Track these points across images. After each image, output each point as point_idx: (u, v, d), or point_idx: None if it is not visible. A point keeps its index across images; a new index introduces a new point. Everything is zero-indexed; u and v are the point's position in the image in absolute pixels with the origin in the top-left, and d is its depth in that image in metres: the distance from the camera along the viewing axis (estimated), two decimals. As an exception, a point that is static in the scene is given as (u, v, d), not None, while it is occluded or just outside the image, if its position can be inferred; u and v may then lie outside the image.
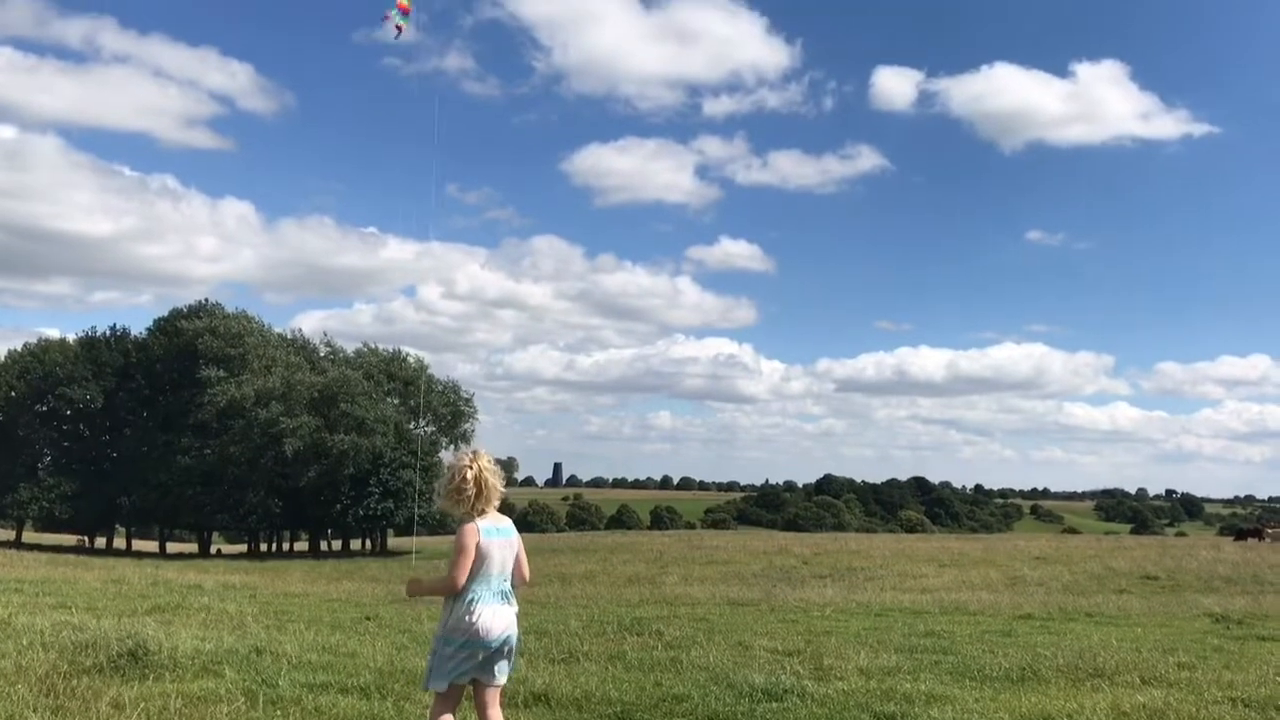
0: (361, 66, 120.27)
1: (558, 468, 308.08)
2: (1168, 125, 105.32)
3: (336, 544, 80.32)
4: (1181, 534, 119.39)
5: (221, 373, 67.53)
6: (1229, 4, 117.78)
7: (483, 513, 5.62)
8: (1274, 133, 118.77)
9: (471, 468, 5.59)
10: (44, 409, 72.18)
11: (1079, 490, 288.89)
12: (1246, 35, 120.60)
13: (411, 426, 73.70)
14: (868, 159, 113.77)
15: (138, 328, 76.73)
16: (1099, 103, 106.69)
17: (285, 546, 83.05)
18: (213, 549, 76.83)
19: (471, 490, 5.58)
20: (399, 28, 33.52)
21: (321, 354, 75.79)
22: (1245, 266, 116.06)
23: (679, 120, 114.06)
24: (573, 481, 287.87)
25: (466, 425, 75.58)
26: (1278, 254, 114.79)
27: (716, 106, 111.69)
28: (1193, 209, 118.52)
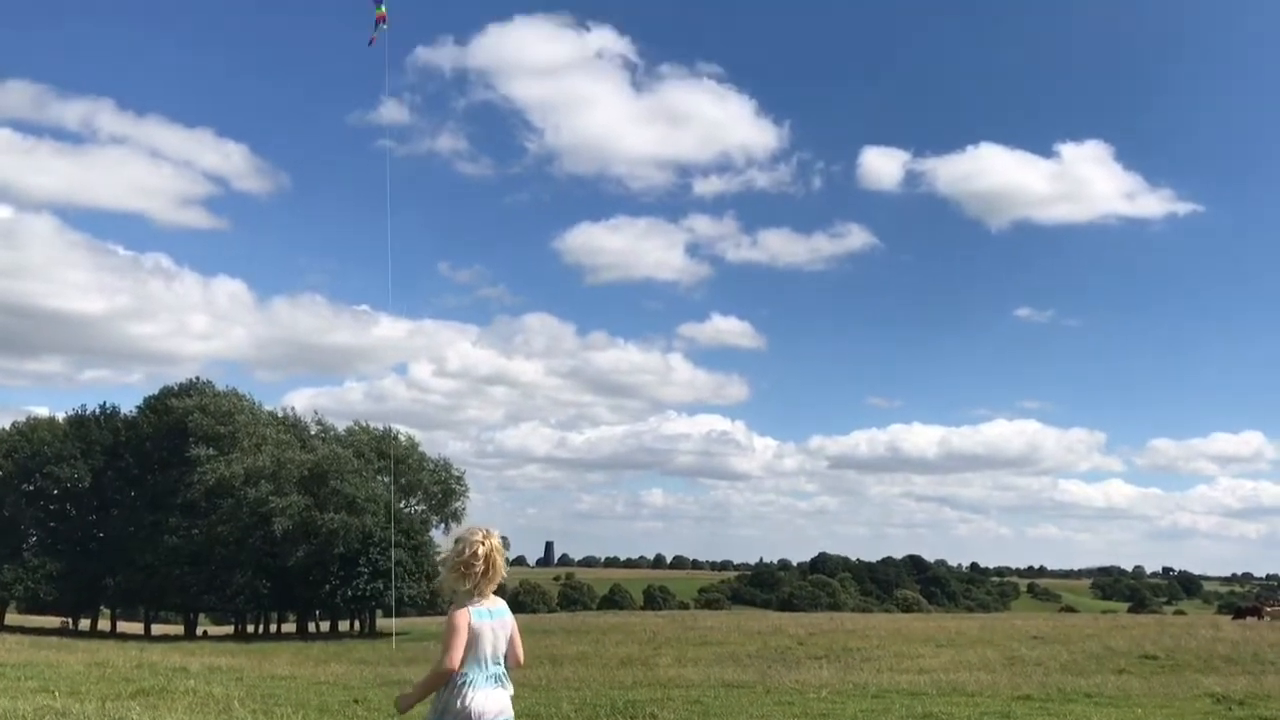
0: (355, 147, 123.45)
1: (549, 546, 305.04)
2: (1152, 204, 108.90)
3: (325, 625, 79.13)
4: (1180, 612, 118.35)
5: (211, 451, 67.19)
6: (1210, 86, 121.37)
7: (482, 593, 5.53)
8: (1257, 211, 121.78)
9: (484, 544, 5.51)
10: (30, 488, 71.54)
11: (1076, 568, 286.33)
12: (1227, 116, 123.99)
13: (402, 505, 73.16)
14: (857, 237, 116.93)
15: (128, 406, 76.57)
16: (1084, 182, 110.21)
17: (272, 628, 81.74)
18: (199, 630, 75.58)
19: (480, 568, 5.48)
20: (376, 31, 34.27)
21: (312, 432, 75.52)
22: (1234, 343, 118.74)
23: (669, 199, 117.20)
24: (564, 560, 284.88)
25: (457, 504, 75.19)
26: (1266, 330, 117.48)
27: (706, 186, 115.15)
28: (1180, 286, 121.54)
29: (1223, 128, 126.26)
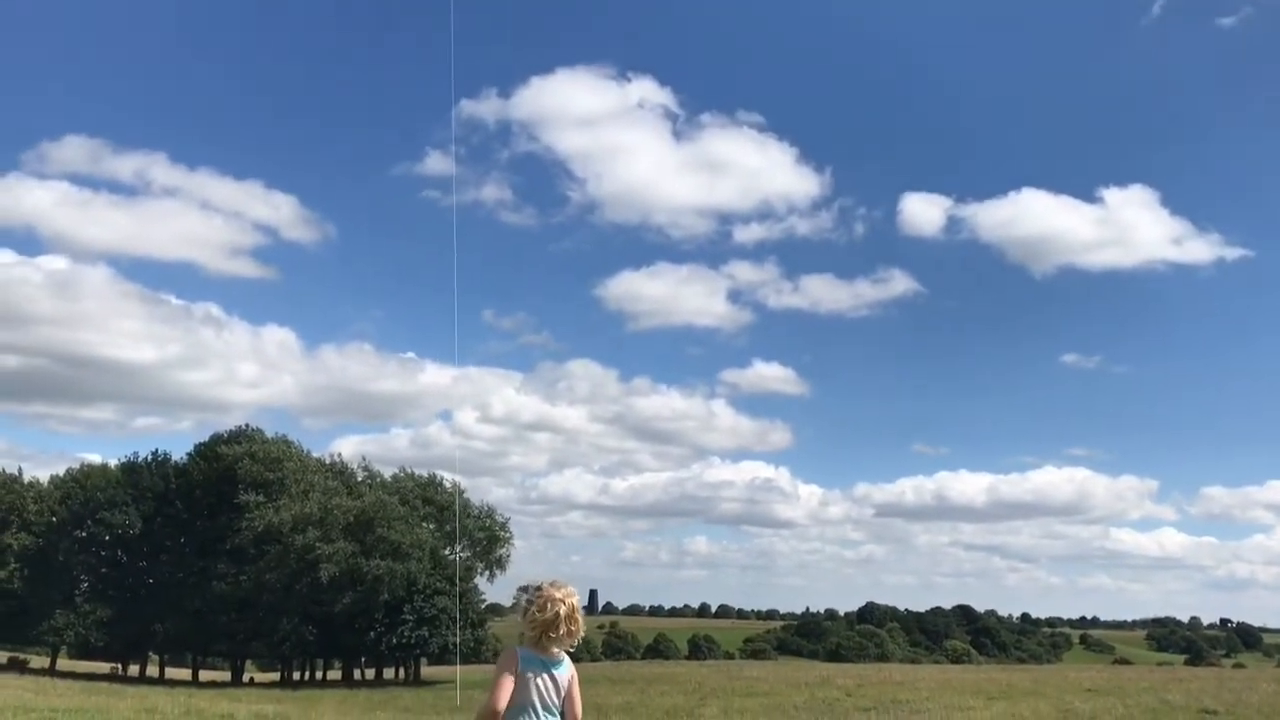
0: (401, 198, 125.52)
1: (593, 595, 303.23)
2: (1200, 249, 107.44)
3: (370, 673, 79.14)
4: (1239, 665, 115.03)
5: (260, 498, 67.90)
6: (1256, 131, 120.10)
7: (545, 647, 5.41)
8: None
9: (564, 604, 5.35)
10: (83, 534, 72.61)
11: (1130, 619, 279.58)
12: (1275, 160, 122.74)
13: (446, 552, 73.33)
14: (899, 283, 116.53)
15: (179, 453, 77.68)
16: (1129, 227, 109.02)
17: (318, 675, 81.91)
18: (245, 677, 75.92)
19: (562, 629, 5.34)
20: None
21: (359, 478, 76.06)
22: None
23: (710, 247, 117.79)
24: (609, 609, 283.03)
25: (502, 550, 75.07)
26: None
27: (747, 233, 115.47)
28: (1231, 331, 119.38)
29: (1270, 173, 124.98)
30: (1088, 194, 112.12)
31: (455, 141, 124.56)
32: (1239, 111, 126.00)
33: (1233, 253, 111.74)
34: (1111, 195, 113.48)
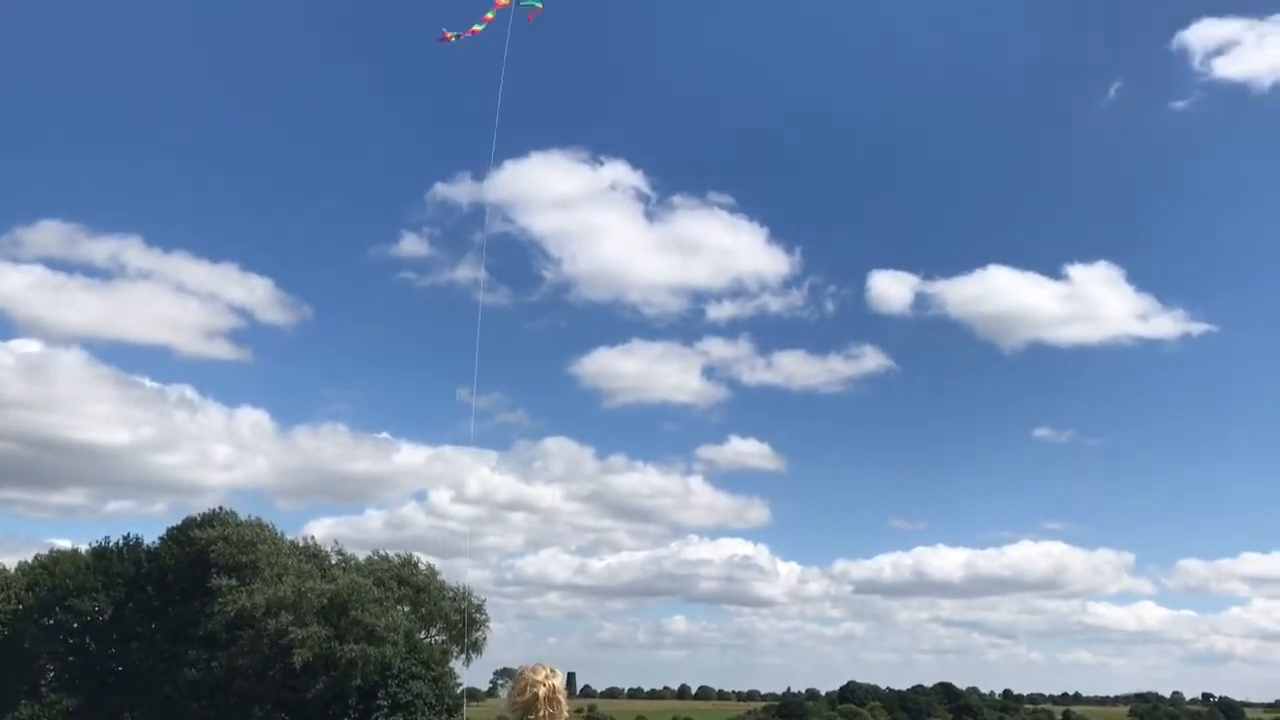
0: (377, 279, 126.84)
1: (571, 677, 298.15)
2: (1166, 324, 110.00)
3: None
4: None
5: (233, 581, 67.14)
6: (1218, 207, 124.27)
7: None
8: (1271, 329, 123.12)
9: (545, 685, 5.47)
10: (50, 622, 71.30)
11: (1111, 695, 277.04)
12: (1236, 237, 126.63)
13: (422, 635, 72.51)
14: (871, 359, 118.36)
15: (150, 537, 76.69)
16: (1096, 303, 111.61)
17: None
18: (215, 767, 74.21)
19: (543, 711, 5.46)
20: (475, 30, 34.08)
21: (332, 561, 75.33)
22: (1258, 461, 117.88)
23: (684, 324, 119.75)
24: (587, 692, 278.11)
25: (478, 633, 74.39)
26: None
27: (720, 311, 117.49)
28: (1200, 405, 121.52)
29: (1232, 249, 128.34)
30: (1053, 271, 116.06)
31: (485, 251, 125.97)
32: (1195, 191, 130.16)
33: (1197, 328, 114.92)
34: (1077, 272, 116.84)
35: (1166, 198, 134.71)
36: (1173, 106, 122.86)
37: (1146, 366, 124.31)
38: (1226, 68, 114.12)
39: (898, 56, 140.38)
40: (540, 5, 33.09)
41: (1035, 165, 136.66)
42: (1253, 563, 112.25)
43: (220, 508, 76.39)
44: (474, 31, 33.26)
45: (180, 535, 73.27)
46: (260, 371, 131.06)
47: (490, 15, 32.83)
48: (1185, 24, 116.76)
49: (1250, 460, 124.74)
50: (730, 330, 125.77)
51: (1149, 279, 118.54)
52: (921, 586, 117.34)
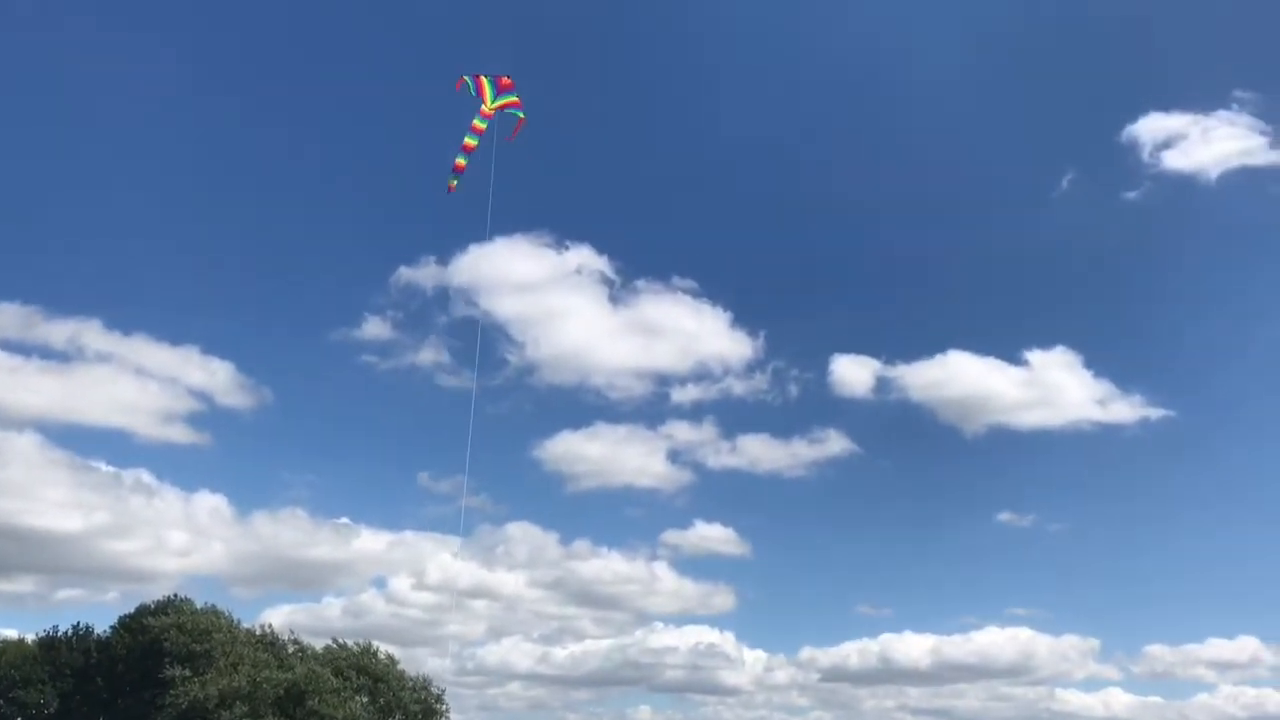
0: (337, 363, 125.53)
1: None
2: (1124, 410, 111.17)
3: None
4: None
5: (186, 672, 65.34)
6: (1163, 296, 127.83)
7: None
8: (1227, 414, 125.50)
9: None
10: (-7, 716, 68.92)
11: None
12: (1188, 322, 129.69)
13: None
14: (835, 443, 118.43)
15: (102, 626, 74.57)
16: (1055, 389, 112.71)
17: None
18: None
19: None
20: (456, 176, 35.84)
21: (289, 650, 73.56)
22: (1220, 546, 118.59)
23: (648, 408, 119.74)
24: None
25: (437, 724, 72.65)
26: (1249, 533, 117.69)
27: (684, 394, 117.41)
28: (1160, 489, 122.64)
29: (1185, 335, 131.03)
30: (1012, 356, 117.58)
31: (391, 308, 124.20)
32: (1148, 278, 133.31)
33: (1155, 413, 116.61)
34: (1036, 357, 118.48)
35: (1121, 284, 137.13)
36: (1124, 197, 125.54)
37: (1106, 451, 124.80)
38: (1175, 160, 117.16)
39: (857, 146, 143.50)
40: (523, 116, 34.92)
41: (992, 252, 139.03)
42: (1218, 648, 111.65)
43: (175, 595, 74.71)
44: (466, 154, 35.16)
45: (132, 623, 71.39)
46: (219, 455, 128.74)
47: (470, 142, 34.82)
48: (1134, 118, 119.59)
49: (1211, 544, 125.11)
50: (694, 414, 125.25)
51: (1106, 365, 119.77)
52: (888, 674, 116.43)
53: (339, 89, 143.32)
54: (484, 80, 35.78)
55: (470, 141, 35.58)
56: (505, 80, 36.00)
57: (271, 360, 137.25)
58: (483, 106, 35.48)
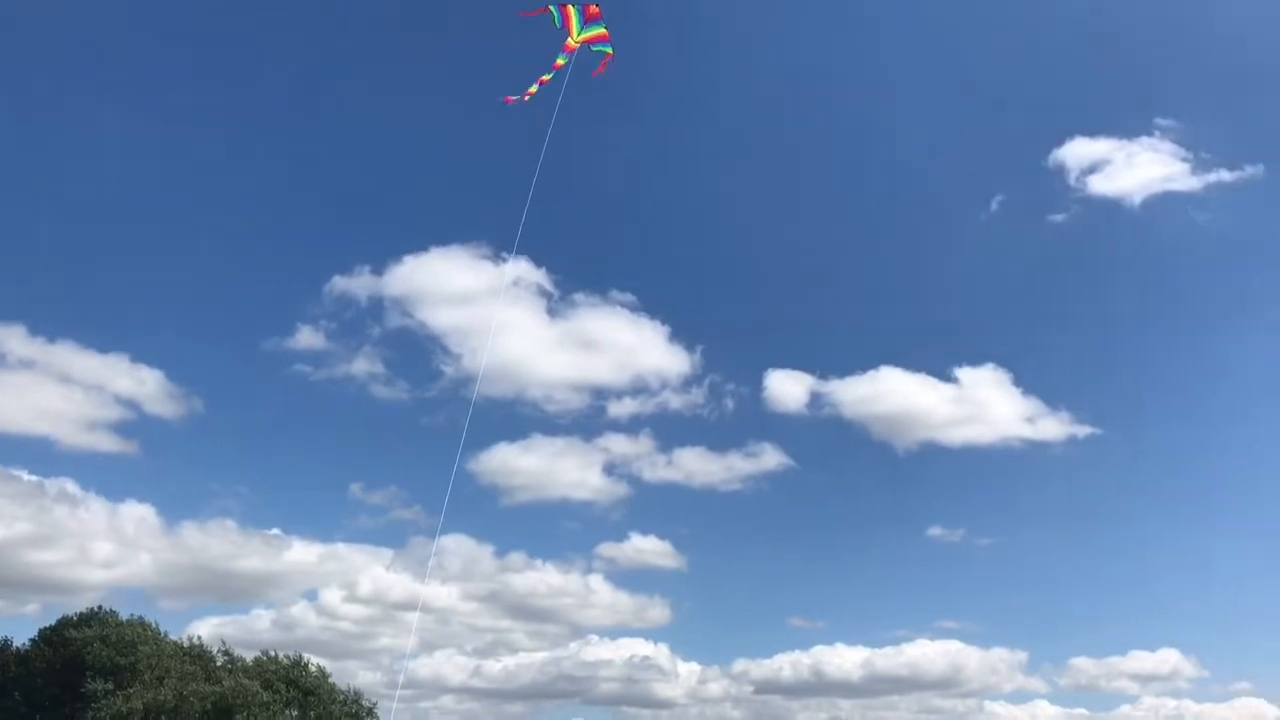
0: (269, 372, 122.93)
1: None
2: (1052, 427, 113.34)
3: None
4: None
5: (109, 685, 63.82)
6: (1088, 317, 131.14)
7: None
8: (1149, 432, 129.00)
9: None
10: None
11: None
12: (1114, 342, 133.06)
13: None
14: (770, 457, 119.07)
15: (21, 639, 72.33)
16: (985, 405, 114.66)
17: None
18: None
19: None
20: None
21: (218, 662, 72.21)
22: (1143, 561, 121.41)
23: (585, 421, 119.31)
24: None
25: (369, 738, 71.85)
26: (1170, 548, 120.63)
27: (621, 408, 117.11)
28: (1085, 506, 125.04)
29: (1111, 354, 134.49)
30: (944, 373, 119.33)
31: (324, 318, 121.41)
32: (1076, 299, 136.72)
33: (1082, 430, 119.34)
34: (966, 375, 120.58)
35: (1049, 305, 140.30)
36: (1051, 219, 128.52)
37: (1034, 468, 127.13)
38: (1100, 184, 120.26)
39: (793, 167, 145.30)
40: (611, 51, 32.20)
41: (924, 271, 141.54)
42: (1141, 660, 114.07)
43: (99, 607, 72.80)
44: (542, 81, 32.58)
45: (53, 636, 69.42)
46: (147, 465, 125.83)
47: (546, 78, 32.04)
48: (1060, 142, 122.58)
49: (1134, 559, 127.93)
50: (631, 427, 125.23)
51: (1034, 383, 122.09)
52: (821, 686, 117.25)
53: (275, 94, 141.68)
54: (571, 10, 32.64)
55: (546, 77, 32.52)
56: (593, 9, 32.71)
57: (202, 369, 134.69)
58: (568, 39, 32.45)
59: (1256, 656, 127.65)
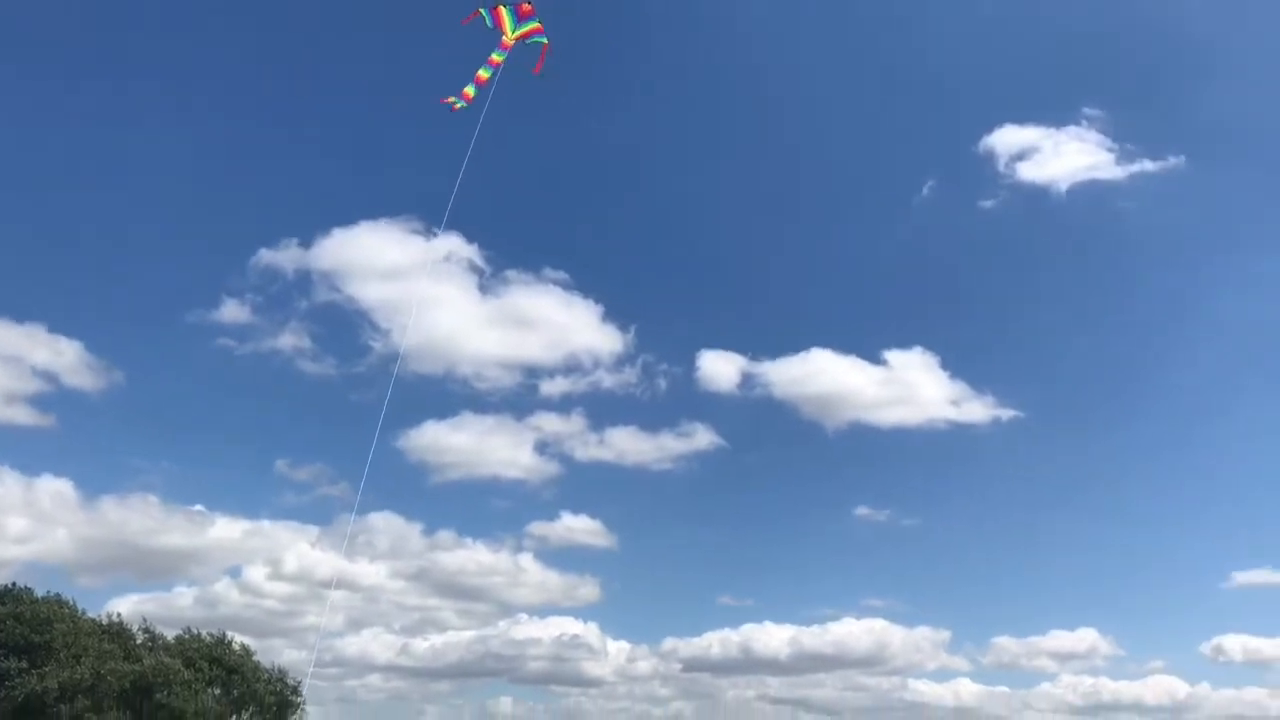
0: (193, 345, 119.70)
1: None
2: (977, 410, 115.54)
3: None
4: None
5: (23, 664, 62.11)
6: (1016, 302, 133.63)
7: None
8: (1070, 416, 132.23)
9: None
10: None
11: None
12: (1039, 328, 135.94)
13: (233, 719, 68.80)
14: (702, 437, 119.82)
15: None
16: (912, 387, 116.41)
17: None
18: None
19: None
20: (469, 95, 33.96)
21: (139, 640, 70.66)
22: (1063, 542, 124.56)
23: (516, 399, 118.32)
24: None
25: (294, 716, 71.12)
26: (1088, 530, 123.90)
27: (553, 386, 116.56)
28: (1008, 487, 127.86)
29: (1035, 340, 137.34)
30: (873, 355, 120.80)
31: (250, 290, 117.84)
32: (1002, 285, 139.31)
33: (1006, 413, 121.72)
34: (895, 357, 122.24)
35: (976, 289, 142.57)
36: (981, 205, 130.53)
37: (960, 449, 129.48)
38: (1029, 171, 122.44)
39: (724, 143, 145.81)
40: (547, 42, 33.45)
41: (856, 255, 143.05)
42: (1060, 639, 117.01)
43: (13, 584, 70.65)
44: (480, 80, 33.54)
45: (-35, 613, 67.46)
46: (65, 438, 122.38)
47: (484, 74, 33.20)
48: (990, 129, 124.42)
49: (1055, 540, 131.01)
50: (563, 405, 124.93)
51: (961, 366, 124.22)
52: (749, 664, 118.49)
53: (203, 63, 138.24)
54: (503, 10, 33.84)
55: (483, 74, 33.63)
56: (526, 7, 34.01)
57: (123, 341, 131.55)
58: (503, 38, 33.61)
59: (1170, 636, 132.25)
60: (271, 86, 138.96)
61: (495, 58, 33.49)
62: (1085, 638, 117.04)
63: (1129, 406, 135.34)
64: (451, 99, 33.60)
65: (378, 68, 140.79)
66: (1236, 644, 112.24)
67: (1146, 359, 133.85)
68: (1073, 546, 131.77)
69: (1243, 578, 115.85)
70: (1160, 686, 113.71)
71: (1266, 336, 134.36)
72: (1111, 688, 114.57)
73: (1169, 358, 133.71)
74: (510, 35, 33.48)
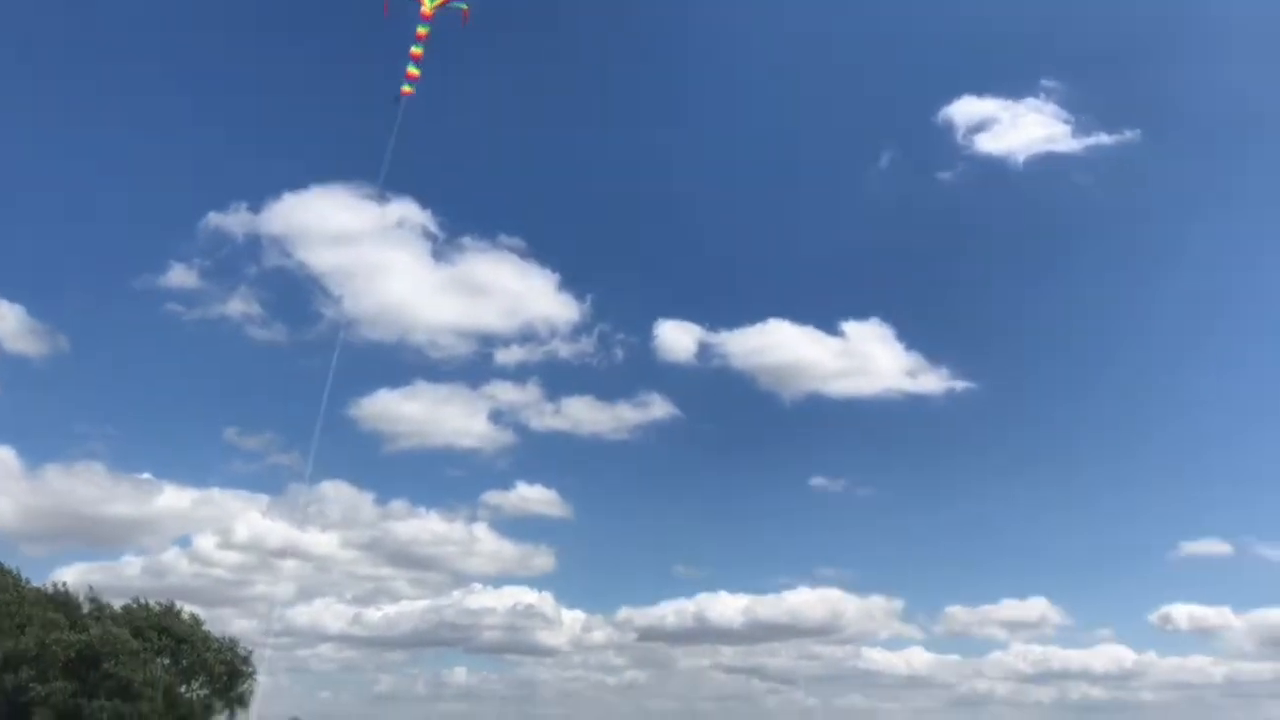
0: (140, 311, 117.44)
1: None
2: (932, 381, 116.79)
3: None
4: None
5: (-36, 634, 60.92)
6: (971, 274, 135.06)
7: None
8: (1022, 388, 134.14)
9: None
10: None
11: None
12: (994, 299, 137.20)
13: (183, 690, 67.96)
14: (659, 407, 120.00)
15: None
16: (868, 358, 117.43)
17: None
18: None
19: None
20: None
21: (85, 610, 69.46)
22: (1014, 513, 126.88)
23: (470, 368, 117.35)
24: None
25: (244, 686, 70.32)
26: (1040, 500, 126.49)
27: (509, 355, 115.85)
28: (961, 458, 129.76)
29: (991, 311, 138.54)
30: (830, 326, 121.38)
31: (198, 255, 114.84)
32: (959, 257, 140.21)
33: (960, 385, 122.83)
34: (851, 328, 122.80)
35: (932, 261, 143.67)
36: (939, 177, 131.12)
37: (914, 420, 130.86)
38: (987, 143, 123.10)
39: (682, 114, 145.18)
40: (466, 7, 34.60)
41: (813, 225, 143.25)
42: (1011, 609, 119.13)
43: (-46, 553, 69.39)
44: (415, 56, 34.87)
45: (-96, 583, 65.94)
46: (7, 405, 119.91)
47: (417, 51, 34.48)
48: (949, 100, 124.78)
49: (1006, 511, 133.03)
50: (519, 375, 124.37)
51: (917, 338, 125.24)
52: (703, 633, 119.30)
53: (153, 22, 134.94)
54: None
55: (417, 50, 34.77)
56: None
57: (67, 305, 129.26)
58: (422, 8, 34.67)
59: (1117, 605, 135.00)
60: (221, 47, 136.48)
61: (421, 30, 34.87)
62: (1036, 607, 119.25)
63: (1081, 379, 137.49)
64: (405, 88, 35.18)
65: (333, 29, 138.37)
66: (1183, 613, 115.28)
67: (1098, 332, 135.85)
68: (1024, 517, 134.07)
69: (1190, 548, 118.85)
70: (1108, 654, 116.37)
71: (1216, 309, 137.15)
72: (1061, 656, 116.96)
73: (1120, 330, 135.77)
74: (429, 5, 34.61)
